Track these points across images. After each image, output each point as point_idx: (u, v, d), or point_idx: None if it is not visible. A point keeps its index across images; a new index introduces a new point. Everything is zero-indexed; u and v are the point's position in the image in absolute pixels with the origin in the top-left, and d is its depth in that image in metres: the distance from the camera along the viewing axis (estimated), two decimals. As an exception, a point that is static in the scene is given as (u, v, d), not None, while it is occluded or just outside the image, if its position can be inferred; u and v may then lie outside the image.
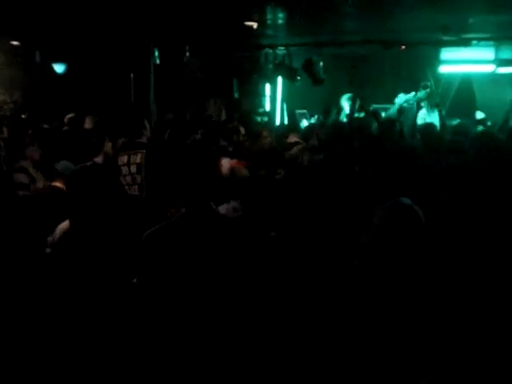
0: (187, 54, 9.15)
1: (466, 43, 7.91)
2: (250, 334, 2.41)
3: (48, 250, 3.16)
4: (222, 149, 5.89)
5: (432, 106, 7.89)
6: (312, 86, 9.01)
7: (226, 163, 4.75)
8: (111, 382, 2.75)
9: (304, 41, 8.93)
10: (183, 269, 2.35)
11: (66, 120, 8.10)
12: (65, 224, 3.03)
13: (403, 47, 8.36)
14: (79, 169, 4.06)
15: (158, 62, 8.91)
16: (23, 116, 9.20)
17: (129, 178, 5.26)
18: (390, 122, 7.28)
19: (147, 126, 5.71)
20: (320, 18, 6.69)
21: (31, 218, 4.12)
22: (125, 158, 5.28)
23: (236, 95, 10.30)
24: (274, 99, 11.15)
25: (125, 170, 5.27)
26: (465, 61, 8.60)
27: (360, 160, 4.55)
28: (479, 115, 7.64)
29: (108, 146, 5.48)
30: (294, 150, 5.53)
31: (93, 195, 2.93)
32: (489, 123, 7.54)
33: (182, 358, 2.37)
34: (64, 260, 2.92)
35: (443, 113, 7.81)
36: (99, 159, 5.21)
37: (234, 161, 5.01)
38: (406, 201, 2.62)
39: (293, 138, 6.49)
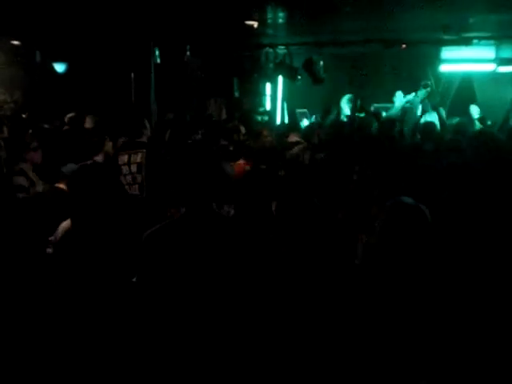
0: (188, 53, 9.15)
1: (466, 42, 7.91)
2: (250, 334, 2.41)
3: (50, 250, 3.16)
4: (222, 148, 5.89)
5: (431, 107, 7.88)
6: (312, 86, 9.01)
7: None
8: (111, 381, 2.75)
9: (304, 40, 8.93)
10: (182, 268, 2.35)
11: (66, 119, 8.10)
12: (66, 223, 3.03)
13: (404, 46, 8.35)
14: (79, 168, 4.07)
15: (158, 61, 8.90)
16: (24, 116, 9.20)
17: (129, 178, 5.27)
18: (390, 121, 7.29)
19: (147, 125, 5.71)
20: (320, 18, 6.69)
21: (33, 219, 4.12)
22: (125, 158, 5.28)
23: (236, 94, 10.30)
24: (274, 98, 11.14)
25: (125, 169, 5.27)
26: (465, 60, 8.59)
27: (360, 160, 4.55)
28: (474, 112, 7.62)
29: (109, 145, 5.49)
30: (295, 149, 5.53)
31: (93, 194, 2.93)
32: (489, 122, 7.53)
33: (182, 357, 2.37)
34: (65, 259, 2.92)
35: (443, 113, 7.81)
36: (99, 158, 5.22)
37: (241, 162, 4.99)
38: (410, 200, 2.61)
39: (293, 138, 6.49)
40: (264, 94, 11.31)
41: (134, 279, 2.74)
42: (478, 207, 3.88)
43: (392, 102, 8.30)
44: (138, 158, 5.27)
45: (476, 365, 2.60)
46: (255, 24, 7.13)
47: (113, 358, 2.70)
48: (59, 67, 10.18)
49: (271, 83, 11.03)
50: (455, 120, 7.39)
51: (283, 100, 10.91)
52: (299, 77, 9.01)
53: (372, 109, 9.04)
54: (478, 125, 7.40)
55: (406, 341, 2.45)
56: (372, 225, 3.22)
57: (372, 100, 9.42)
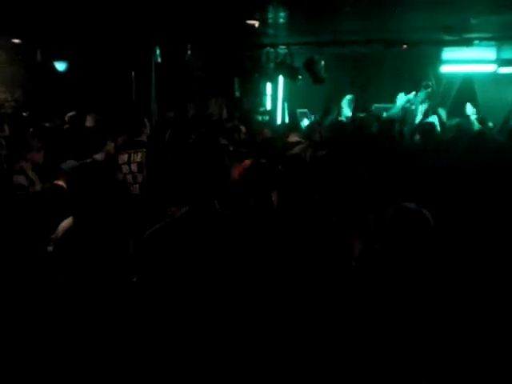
0: (189, 52, 9.14)
1: (467, 43, 7.90)
2: (250, 334, 2.41)
3: (50, 248, 3.16)
4: (222, 148, 5.88)
5: (431, 111, 7.88)
6: (313, 86, 9.01)
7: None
8: (112, 380, 2.75)
9: (305, 40, 8.92)
10: (184, 267, 2.35)
11: (67, 118, 8.09)
12: (67, 222, 3.03)
13: (405, 47, 8.35)
14: (79, 166, 4.07)
15: (159, 60, 8.90)
16: (24, 114, 9.20)
17: (130, 177, 5.26)
18: (391, 121, 7.28)
19: (147, 124, 5.71)
20: (321, 18, 6.68)
21: (33, 217, 4.12)
22: (125, 157, 5.28)
23: (237, 94, 10.29)
24: (275, 98, 11.14)
25: (125, 168, 5.26)
26: (466, 61, 8.60)
27: (359, 160, 4.55)
28: (469, 110, 7.62)
29: (110, 145, 5.49)
30: (297, 148, 5.52)
31: (93, 192, 2.93)
32: (490, 124, 7.53)
33: (183, 356, 2.37)
34: (66, 257, 2.92)
35: (443, 115, 7.81)
36: (99, 157, 5.21)
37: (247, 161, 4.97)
38: (413, 205, 2.62)
39: (293, 138, 6.49)
40: (265, 94, 11.31)
41: (135, 278, 2.75)
42: (477, 208, 3.88)
43: (393, 102, 8.31)
44: (139, 157, 5.26)
45: (476, 366, 2.61)
46: (256, 23, 7.12)
47: (114, 357, 2.70)
48: (60, 66, 10.17)
49: (272, 83, 11.03)
50: (455, 121, 7.39)
51: (284, 100, 10.91)
52: (300, 77, 9.01)
53: (373, 109, 9.04)
54: (477, 125, 7.39)
55: (408, 342, 2.45)
56: (368, 229, 3.23)
57: (373, 100, 9.42)
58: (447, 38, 7.61)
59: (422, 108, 8.14)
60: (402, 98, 8.05)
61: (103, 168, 3.38)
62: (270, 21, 7.12)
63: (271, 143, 5.44)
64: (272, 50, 9.26)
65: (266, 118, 10.20)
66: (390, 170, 4.44)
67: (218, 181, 2.41)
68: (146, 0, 5.80)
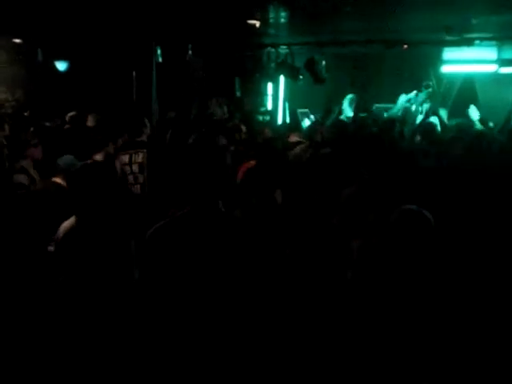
0: (190, 52, 9.14)
1: (468, 43, 7.89)
2: (251, 335, 2.41)
3: (51, 248, 3.16)
4: (224, 147, 5.88)
5: (432, 112, 7.88)
6: (314, 86, 9.01)
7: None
8: (112, 380, 2.75)
9: (306, 40, 8.92)
10: (186, 266, 2.34)
11: (67, 118, 8.10)
12: (68, 222, 3.03)
13: (405, 47, 8.35)
14: (81, 166, 4.06)
15: (160, 60, 8.90)
16: (25, 114, 9.20)
17: (131, 178, 5.26)
18: (391, 121, 7.28)
19: (148, 124, 5.71)
20: (322, 18, 6.68)
21: (31, 216, 4.11)
22: (126, 158, 5.28)
23: (238, 94, 10.29)
24: (276, 98, 11.15)
25: (127, 169, 5.26)
26: (467, 61, 8.59)
27: (359, 161, 4.55)
28: (474, 114, 7.62)
29: (111, 146, 5.49)
30: (297, 148, 5.52)
31: (95, 192, 2.93)
32: (491, 124, 7.52)
33: (184, 356, 2.36)
34: (67, 258, 2.92)
35: (443, 115, 7.81)
36: (100, 157, 5.21)
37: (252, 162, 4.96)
38: (414, 207, 2.64)
39: (294, 138, 6.49)
40: (266, 94, 11.32)
41: (136, 276, 2.74)
42: (477, 209, 3.88)
43: (393, 102, 8.30)
44: (140, 157, 5.27)
45: (476, 366, 2.61)
46: (257, 23, 7.12)
47: (115, 356, 2.70)
48: (61, 66, 10.18)
49: (273, 83, 11.03)
50: (456, 121, 7.39)
51: (285, 100, 10.91)
52: (301, 77, 9.00)
53: (374, 109, 9.04)
54: (478, 126, 7.39)
55: (408, 342, 2.45)
56: (368, 229, 3.23)
57: (373, 100, 9.42)
58: (448, 38, 7.60)
59: (422, 108, 8.14)
60: (403, 98, 8.05)
61: (104, 168, 3.38)
62: (270, 21, 7.12)
63: (273, 144, 5.43)
64: (273, 49, 9.26)
65: (267, 118, 10.20)
66: (391, 170, 4.43)
67: (220, 180, 2.40)
68: (147, 0, 5.81)
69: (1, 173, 5.32)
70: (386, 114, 8.38)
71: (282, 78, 10.59)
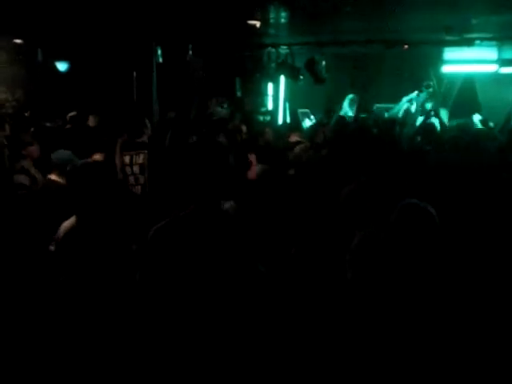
0: (190, 52, 9.15)
1: (468, 43, 7.90)
2: (251, 336, 2.41)
3: (52, 248, 3.16)
4: (226, 147, 5.87)
5: (433, 114, 7.89)
6: (314, 86, 9.02)
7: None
8: (112, 380, 2.75)
9: (306, 40, 8.93)
10: (187, 265, 2.34)
11: (68, 118, 8.10)
12: (69, 222, 3.03)
13: (406, 47, 8.35)
14: (81, 166, 4.05)
15: (160, 60, 8.91)
16: (26, 114, 9.21)
17: (132, 179, 5.26)
18: (391, 121, 7.29)
19: (148, 124, 5.70)
20: (323, 18, 6.68)
21: (30, 215, 4.10)
22: (127, 159, 5.27)
23: (238, 94, 10.30)
24: (276, 98, 11.16)
25: (128, 170, 5.26)
26: (467, 61, 8.60)
27: (359, 163, 4.55)
28: (477, 120, 7.62)
29: (112, 147, 5.48)
30: (297, 148, 5.53)
31: (95, 192, 2.93)
32: (491, 124, 7.53)
33: (184, 356, 2.36)
34: (68, 258, 2.92)
35: (444, 116, 7.82)
36: (99, 157, 5.20)
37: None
38: (417, 201, 2.63)
39: (294, 138, 6.49)
40: (266, 94, 11.33)
41: (137, 277, 2.74)
42: (477, 209, 3.88)
43: (394, 102, 8.32)
44: (140, 158, 5.26)
45: (476, 365, 2.60)
46: (257, 24, 7.13)
47: (114, 357, 2.70)
48: (61, 66, 10.18)
49: (273, 83, 11.04)
50: (456, 121, 7.40)
51: (285, 100, 10.92)
52: (301, 77, 9.01)
53: (374, 109, 9.05)
54: (479, 126, 7.40)
55: (409, 340, 2.45)
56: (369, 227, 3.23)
57: (374, 100, 9.43)
58: (448, 38, 7.61)
59: (424, 108, 8.15)
60: (404, 99, 8.09)
61: (104, 168, 3.37)
62: (271, 21, 7.12)
63: (278, 147, 5.44)
64: (273, 50, 9.26)
65: (268, 118, 10.21)
66: (391, 169, 4.44)
67: (223, 179, 2.40)
68: (148, 0, 5.81)
69: (1, 173, 5.32)
70: (386, 114, 8.39)
71: (282, 78, 10.60)
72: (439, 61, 8.90)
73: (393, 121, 7.33)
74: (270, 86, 11.24)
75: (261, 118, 9.86)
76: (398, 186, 3.82)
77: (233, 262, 2.36)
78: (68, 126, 7.80)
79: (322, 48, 8.78)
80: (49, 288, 2.99)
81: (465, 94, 9.39)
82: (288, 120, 10.16)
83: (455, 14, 6.12)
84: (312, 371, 2.60)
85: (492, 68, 8.62)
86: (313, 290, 2.73)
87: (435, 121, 7.40)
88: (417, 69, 9.21)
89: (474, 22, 6.52)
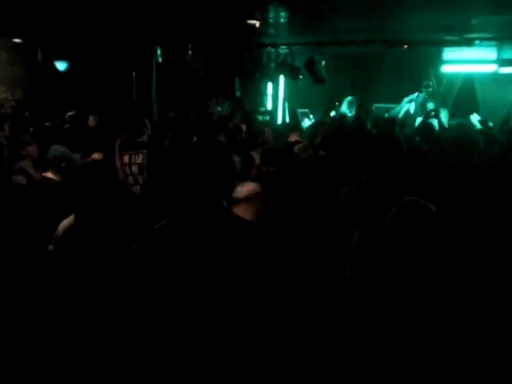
0: (189, 52, 9.15)
1: (468, 43, 7.90)
2: (252, 336, 2.40)
3: (51, 247, 3.16)
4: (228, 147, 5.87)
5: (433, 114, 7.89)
6: (314, 86, 9.02)
7: None
8: (112, 380, 2.75)
9: (306, 40, 8.93)
10: (187, 265, 2.33)
11: (66, 118, 8.10)
12: (67, 221, 3.03)
13: (405, 47, 8.36)
14: (81, 165, 4.06)
15: (160, 60, 8.91)
16: (26, 114, 9.21)
17: (131, 179, 5.25)
18: (391, 121, 7.29)
19: (148, 124, 5.70)
20: (322, 18, 6.69)
21: (27, 214, 4.09)
22: (126, 158, 5.27)
23: (238, 94, 10.30)
24: (275, 98, 11.17)
25: (127, 170, 5.25)
26: (467, 61, 8.60)
27: (358, 162, 4.55)
28: (475, 120, 7.63)
29: (111, 147, 5.48)
30: (296, 148, 5.52)
31: (95, 191, 2.93)
32: (491, 124, 7.54)
33: (185, 357, 2.36)
34: (67, 257, 2.92)
35: (443, 117, 7.82)
36: (98, 156, 5.20)
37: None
38: (417, 198, 2.63)
39: (293, 138, 6.48)
40: (265, 94, 11.34)
41: (137, 278, 2.74)
42: (479, 209, 3.88)
43: (393, 102, 8.32)
44: (140, 158, 5.26)
45: (476, 365, 2.60)
46: (257, 23, 7.13)
47: (114, 357, 2.70)
48: (61, 66, 10.19)
49: (273, 83, 11.05)
50: (456, 121, 7.40)
51: (284, 100, 10.93)
52: (301, 77, 9.02)
53: (374, 109, 9.06)
54: (478, 126, 7.40)
55: (409, 338, 2.45)
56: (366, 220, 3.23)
57: (374, 100, 9.44)
58: (448, 38, 7.62)
59: (424, 108, 8.16)
60: (405, 101, 8.10)
61: (104, 167, 3.36)
62: (270, 21, 7.12)
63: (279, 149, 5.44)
64: (273, 49, 9.27)
65: (267, 117, 10.21)
66: (391, 169, 4.43)
67: (226, 178, 2.39)
68: (147, 0, 5.81)
69: (0, 173, 5.32)
70: (387, 115, 8.40)
71: (281, 78, 10.60)
72: (439, 61, 8.90)
73: (392, 120, 7.33)
74: (270, 85, 11.24)
75: (260, 117, 9.86)
76: (397, 185, 3.82)
77: (235, 261, 2.35)
78: (67, 126, 7.79)
79: (322, 48, 8.78)
80: (48, 288, 2.99)
81: (464, 94, 9.39)
82: (287, 120, 10.16)
83: (455, 14, 6.12)
84: (312, 369, 2.59)
85: (491, 68, 8.63)
86: (313, 290, 2.73)
87: (434, 121, 7.40)
88: (417, 69, 9.22)
89: (473, 22, 6.52)
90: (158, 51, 8.83)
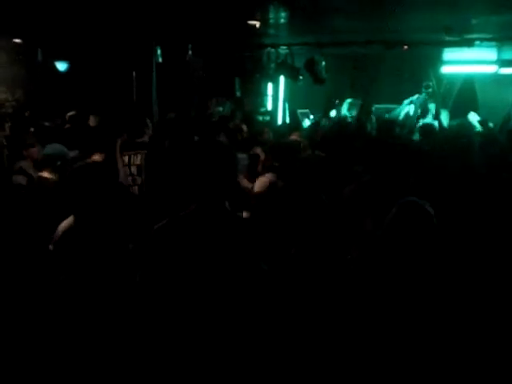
0: (190, 52, 9.15)
1: (468, 44, 7.91)
2: (252, 336, 2.40)
3: (51, 247, 3.16)
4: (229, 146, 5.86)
5: (433, 116, 7.89)
6: (314, 86, 9.02)
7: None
8: (112, 380, 2.74)
9: (306, 40, 8.93)
10: (187, 265, 2.33)
11: (67, 118, 8.10)
12: (67, 221, 3.03)
13: (405, 47, 8.36)
14: (80, 166, 4.04)
15: (160, 60, 8.91)
16: (26, 114, 9.21)
17: (130, 179, 5.24)
18: (390, 122, 7.29)
19: (149, 124, 5.69)
20: (322, 18, 6.69)
21: (25, 214, 4.08)
22: (125, 159, 5.26)
23: (238, 94, 10.30)
24: (276, 98, 11.17)
25: (126, 170, 5.25)
26: (467, 61, 8.61)
27: (358, 162, 4.55)
28: (473, 119, 7.62)
29: (112, 147, 5.47)
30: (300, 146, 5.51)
31: (94, 192, 2.92)
32: (491, 124, 7.54)
33: (185, 357, 2.36)
34: (66, 257, 2.92)
35: (443, 118, 7.82)
36: (98, 157, 5.19)
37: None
38: (418, 200, 2.64)
39: (293, 137, 6.47)
40: (266, 94, 11.34)
41: (137, 278, 2.74)
42: (478, 209, 3.88)
43: (393, 103, 8.32)
44: (138, 159, 5.25)
45: (476, 365, 2.60)
46: (257, 24, 7.13)
47: (114, 357, 2.70)
48: (61, 66, 10.19)
49: (273, 83, 11.05)
50: (456, 122, 7.39)
51: (285, 100, 10.93)
52: (301, 77, 9.02)
53: (373, 109, 9.06)
54: (478, 127, 7.40)
55: (408, 338, 2.45)
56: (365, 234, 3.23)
57: (374, 101, 9.44)
58: (448, 38, 7.62)
59: (424, 109, 8.16)
60: (406, 102, 8.10)
61: (103, 169, 3.36)
62: (270, 21, 7.13)
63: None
64: (273, 50, 9.27)
65: (267, 118, 10.22)
66: (390, 170, 4.43)
67: (227, 178, 2.39)
68: (147, 0, 5.81)
69: (0, 173, 5.32)
70: (387, 116, 8.40)
71: (281, 79, 10.60)
72: (439, 61, 8.91)
73: (392, 121, 7.33)
74: (270, 86, 11.24)
75: (260, 118, 9.86)
76: (397, 185, 3.82)
77: (235, 261, 2.35)
78: (67, 126, 7.80)
79: (322, 48, 8.78)
80: (48, 287, 2.99)
81: (464, 95, 9.39)
82: (288, 120, 10.16)
83: (455, 15, 6.12)
84: (312, 369, 2.59)
85: (492, 69, 8.63)
86: (313, 290, 2.73)
87: (434, 121, 7.40)
88: (417, 69, 9.22)
89: (473, 22, 6.52)
90: (158, 51, 8.83)
